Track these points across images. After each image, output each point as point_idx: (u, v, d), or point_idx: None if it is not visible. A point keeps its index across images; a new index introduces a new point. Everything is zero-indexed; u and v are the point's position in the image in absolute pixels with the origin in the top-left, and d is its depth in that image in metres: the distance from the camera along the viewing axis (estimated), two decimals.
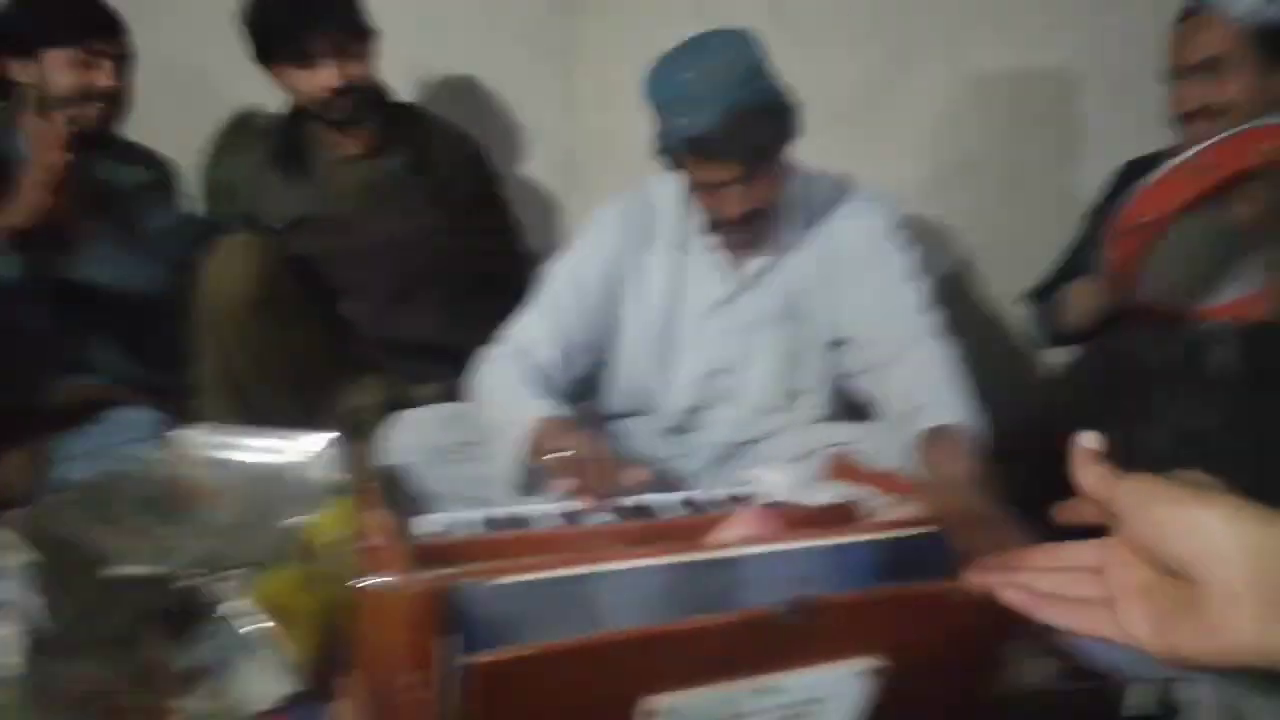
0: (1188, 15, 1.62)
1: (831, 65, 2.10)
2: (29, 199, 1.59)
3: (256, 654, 1.16)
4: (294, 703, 1.16)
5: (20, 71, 1.72)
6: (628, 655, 0.85)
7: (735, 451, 1.60)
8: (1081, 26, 2.01)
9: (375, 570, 0.91)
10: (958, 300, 2.21)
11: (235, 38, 1.77)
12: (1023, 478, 1.70)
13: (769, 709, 0.91)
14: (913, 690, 0.95)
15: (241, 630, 1.15)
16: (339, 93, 1.75)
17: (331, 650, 1.18)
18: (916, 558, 1.00)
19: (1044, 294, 1.84)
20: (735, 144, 1.35)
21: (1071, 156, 2.09)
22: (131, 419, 1.67)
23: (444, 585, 0.84)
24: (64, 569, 1.12)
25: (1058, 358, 1.96)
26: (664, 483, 1.59)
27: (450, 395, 1.77)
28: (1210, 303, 1.58)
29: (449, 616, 0.83)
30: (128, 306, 1.78)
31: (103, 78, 1.73)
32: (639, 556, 0.94)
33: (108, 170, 1.82)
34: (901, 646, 0.93)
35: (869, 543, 1.01)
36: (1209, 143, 1.39)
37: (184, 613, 1.16)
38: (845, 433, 1.47)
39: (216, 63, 1.94)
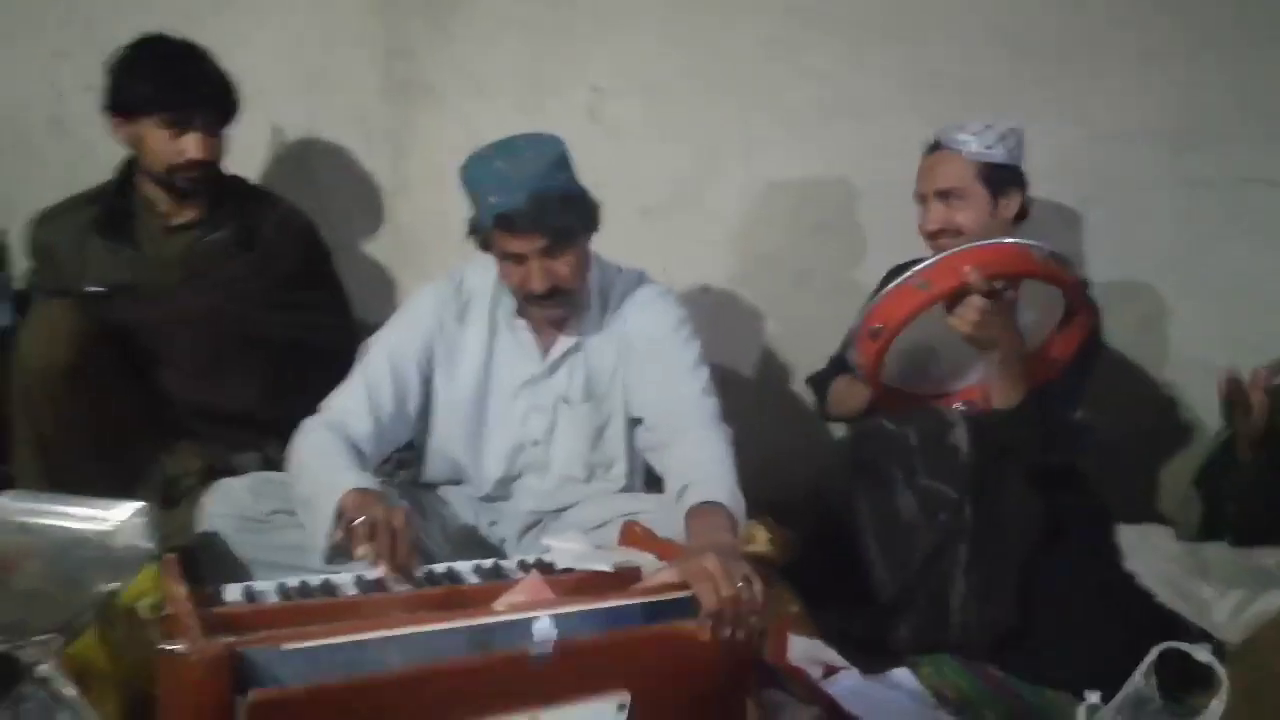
0: (933, 149, 1.90)
1: (644, 164, 2.30)
2: None
3: (67, 716, 1.20)
4: None
5: None
6: (401, 692, 0.97)
7: (544, 518, 1.73)
8: (862, 141, 2.28)
9: (171, 637, 0.98)
10: (761, 378, 2.43)
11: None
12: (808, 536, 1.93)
13: None
14: None
15: (53, 693, 1.18)
16: (193, 164, 1.84)
17: (140, 713, 1.23)
18: (677, 615, 1.16)
19: (820, 382, 2.07)
20: (539, 221, 1.52)
21: (854, 255, 2.35)
22: None
23: (231, 651, 0.93)
24: None
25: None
26: (480, 548, 1.72)
27: (270, 464, 1.82)
28: (945, 390, 1.85)
29: (238, 681, 0.93)
30: None
31: None
32: (421, 622, 1.06)
33: None
34: (647, 682, 1.09)
35: (636, 604, 1.17)
36: (925, 264, 1.65)
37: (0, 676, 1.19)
38: (641, 503, 1.63)
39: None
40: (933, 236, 1.87)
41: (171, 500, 1.82)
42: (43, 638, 1.16)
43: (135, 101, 1.82)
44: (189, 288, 1.92)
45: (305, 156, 2.34)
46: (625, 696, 1.09)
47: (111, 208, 1.92)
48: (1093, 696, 1.18)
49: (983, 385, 1.77)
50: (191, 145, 1.83)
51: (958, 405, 1.79)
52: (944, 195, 1.84)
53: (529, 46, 2.28)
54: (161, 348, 1.90)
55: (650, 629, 1.13)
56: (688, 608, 1.14)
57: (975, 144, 1.82)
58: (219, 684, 0.92)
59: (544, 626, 1.03)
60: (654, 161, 2.31)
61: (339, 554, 1.37)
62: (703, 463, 1.46)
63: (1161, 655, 1.18)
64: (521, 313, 1.68)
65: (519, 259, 1.56)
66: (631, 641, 1.10)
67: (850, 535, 1.75)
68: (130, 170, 1.96)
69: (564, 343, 1.70)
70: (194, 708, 0.93)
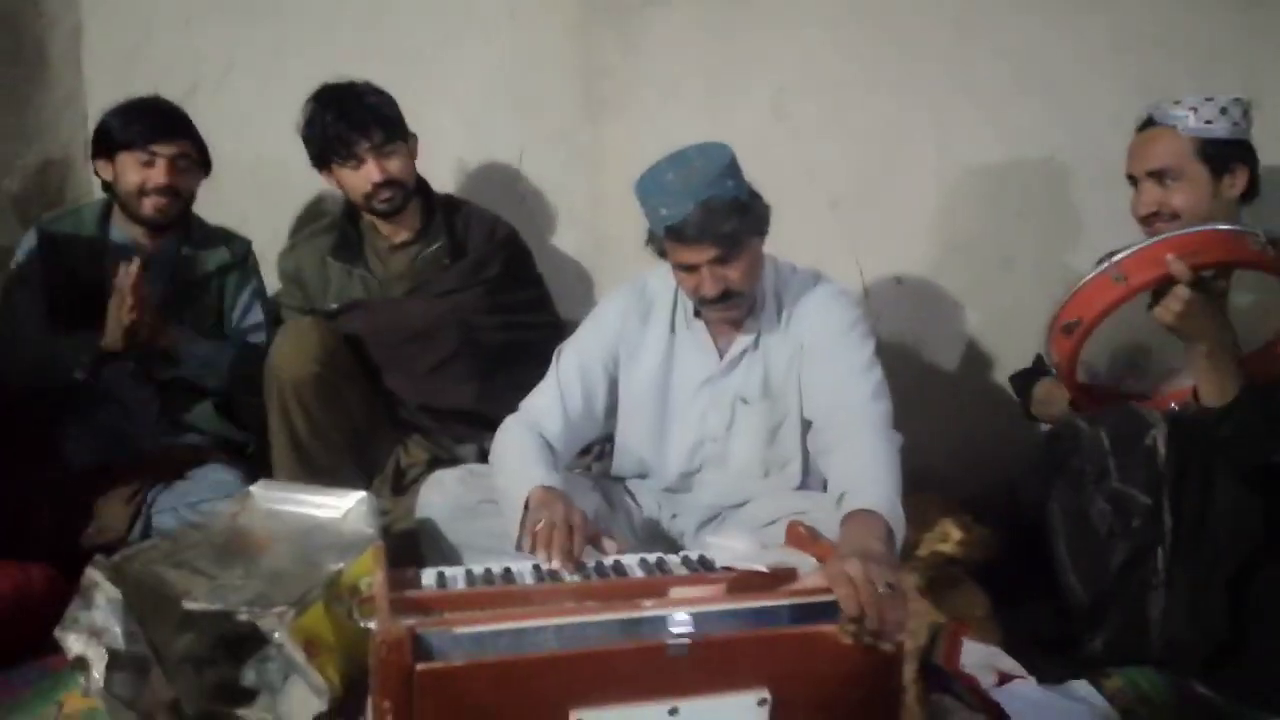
0: (1145, 125, 1.76)
1: (831, 158, 2.30)
2: (112, 335, 1.94)
3: (298, 677, 1.42)
4: (328, 718, 1.42)
5: (103, 170, 2.08)
6: (554, 670, 1.08)
7: (723, 512, 1.81)
8: (1067, 116, 2.16)
9: (368, 616, 1.15)
10: (961, 370, 2.37)
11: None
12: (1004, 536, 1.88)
13: None
14: None
15: (286, 657, 1.41)
16: (380, 186, 2.06)
17: (358, 675, 1.43)
18: (822, 618, 1.20)
19: (1023, 381, 1.98)
20: (707, 230, 1.58)
21: (1064, 239, 2.23)
22: (216, 476, 1.98)
23: (412, 632, 1.07)
24: (144, 604, 1.40)
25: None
26: (663, 540, 1.82)
27: (487, 456, 2.01)
28: (1153, 390, 1.72)
29: (417, 655, 1.07)
30: (218, 384, 2.11)
31: (159, 175, 2.03)
32: (576, 612, 1.16)
33: (191, 255, 2.16)
34: (788, 681, 1.14)
35: (782, 605, 1.22)
36: (1125, 253, 1.53)
37: (242, 641, 1.43)
38: (812, 502, 1.66)
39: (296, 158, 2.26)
40: (1146, 221, 1.73)
41: (401, 489, 2.05)
42: (278, 609, 1.38)
43: (316, 155, 2.09)
44: (412, 299, 2.15)
45: (513, 174, 2.53)
46: (765, 693, 1.15)
47: (343, 234, 2.19)
48: None
49: (1193, 385, 1.64)
50: (369, 172, 2.05)
51: (1172, 406, 1.66)
52: (1158, 176, 1.71)
53: (713, 52, 2.33)
54: (391, 354, 2.12)
55: (790, 629, 1.17)
56: (833, 612, 1.18)
57: (1192, 119, 1.67)
58: (401, 658, 1.07)
59: (680, 619, 1.11)
60: (841, 154, 2.31)
61: (527, 549, 1.51)
62: (864, 469, 1.47)
63: None
64: (699, 314, 1.76)
65: (691, 268, 1.64)
66: (770, 640, 1.15)
67: (1043, 538, 1.69)
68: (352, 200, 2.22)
69: (741, 342, 1.75)
70: (383, 676, 1.09)
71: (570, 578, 1.36)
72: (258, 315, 2.22)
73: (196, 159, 2.12)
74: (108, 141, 2.06)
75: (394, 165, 2.08)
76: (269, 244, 2.37)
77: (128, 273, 1.92)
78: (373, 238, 2.20)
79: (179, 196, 2.08)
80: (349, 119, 2.04)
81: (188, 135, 2.10)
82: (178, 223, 2.13)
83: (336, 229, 2.20)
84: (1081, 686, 1.50)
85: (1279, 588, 1.53)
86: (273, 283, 2.28)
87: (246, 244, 2.27)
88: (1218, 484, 1.56)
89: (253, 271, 2.27)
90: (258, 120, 2.49)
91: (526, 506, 1.52)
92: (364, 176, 2.07)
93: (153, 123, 2.05)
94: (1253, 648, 1.52)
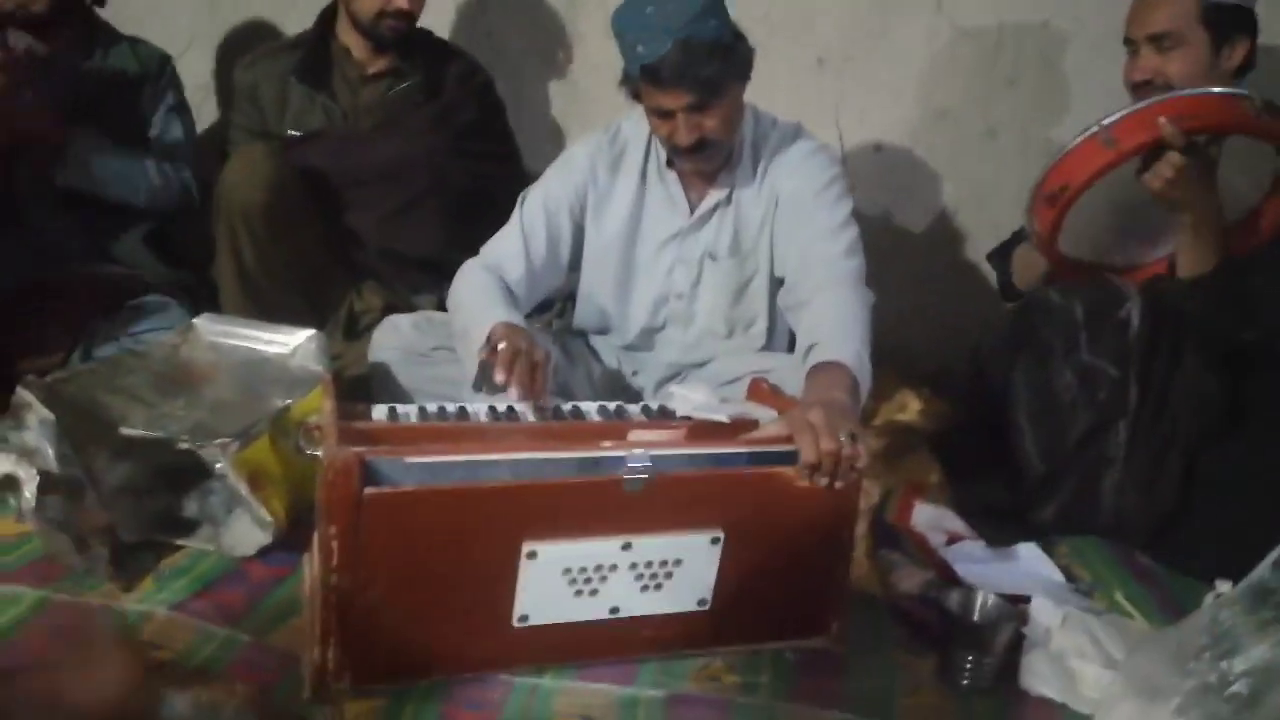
0: None
1: (821, 10, 2.18)
2: None
3: (241, 509, 1.38)
4: (271, 550, 1.39)
5: None
6: (507, 500, 1.06)
7: (684, 370, 1.77)
8: None
9: (315, 444, 1.10)
10: (934, 242, 2.32)
11: None
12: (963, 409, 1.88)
13: (637, 565, 1.12)
14: (758, 562, 1.15)
15: (230, 489, 1.37)
16: (401, 13, 1.94)
17: (303, 510, 1.40)
18: (780, 465, 1.18)
19: (1001, 254, 1.94)
20: (685, 73, 1.48)
21: (1052, 111, 2.16)
22: (160, 306, 1.89)
23: (360, 458, 1.03)
24: (79, 428, 1.34)
25: None
26: (623, 395, 1.78)
27: (444, 305, 1.95)
28: (1135, 262, 1.69)
29: (365, 482, 1.04)
30: (140, 203, 1.97)
31: None
32: (533, 448, 1.13)
33: (97, 66, 1.99)
34: (740, 521, 1.14)
35: (741, 452, 1.19)
36: (1115, 117, 1.47)
37: (183, 472, 1.39)
38: (775, 361, 1.63)
39: None
40: (1137, 88, 1.66)
41: (354, 334, 1.99)
42: (221, 440, 1.33)
43: None
44: (379, 135, 2.03)
45: (483, 8, 2.37)
46: (719, 532, 1.13)
47: (312, 54, 2.04)
48: (1223, 585, 1.10)
49: (1174, 254, 1.61)
50: None
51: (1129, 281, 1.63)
52: (1157, 40, 1.63)
53: None
54: (352, 192, 2.03)
55: (744, 470, 1.15)
56: (792, 460, 1.16)
57: None
58: (349, 483, 1.03)
59: (637, 456, 1.08)
60: (833, 7, 2.19)
61: (485, 381, 1.45)
62: (833, 323, 1.43)
63: None
64: (672, 164, 1.68)
65: (666, 113, 1.54)
66: (726, 480, 1.13)
67: (1007, 411, 1.68)
68: (330, 19, 2.07)
69: (713, 196, 1.68)
70: (330, 502, 1.05)
71: (529, 417, 1.33)
72: (177, 132, 2.07)
73: None
74: None
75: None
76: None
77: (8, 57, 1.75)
78: (344, 63, 2.06)
79: None
80: None
81: None
82: (69, 25, 1.94)
83: (304, 47, 2.05)
84: (1029, 549, 1.52)
85: (1230, 463, 1.55)
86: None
87: (162, 55, 2.10)
88: (1185, 359, 1.56)
89: (169, 84, 2.09)
90: None
91: (489, 342, 1.47)
92: None
93: None
94: (1197, 520, 1.54)
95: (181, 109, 2.11)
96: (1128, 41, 1.69)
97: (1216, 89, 1.49)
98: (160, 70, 2.08)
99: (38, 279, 1.84)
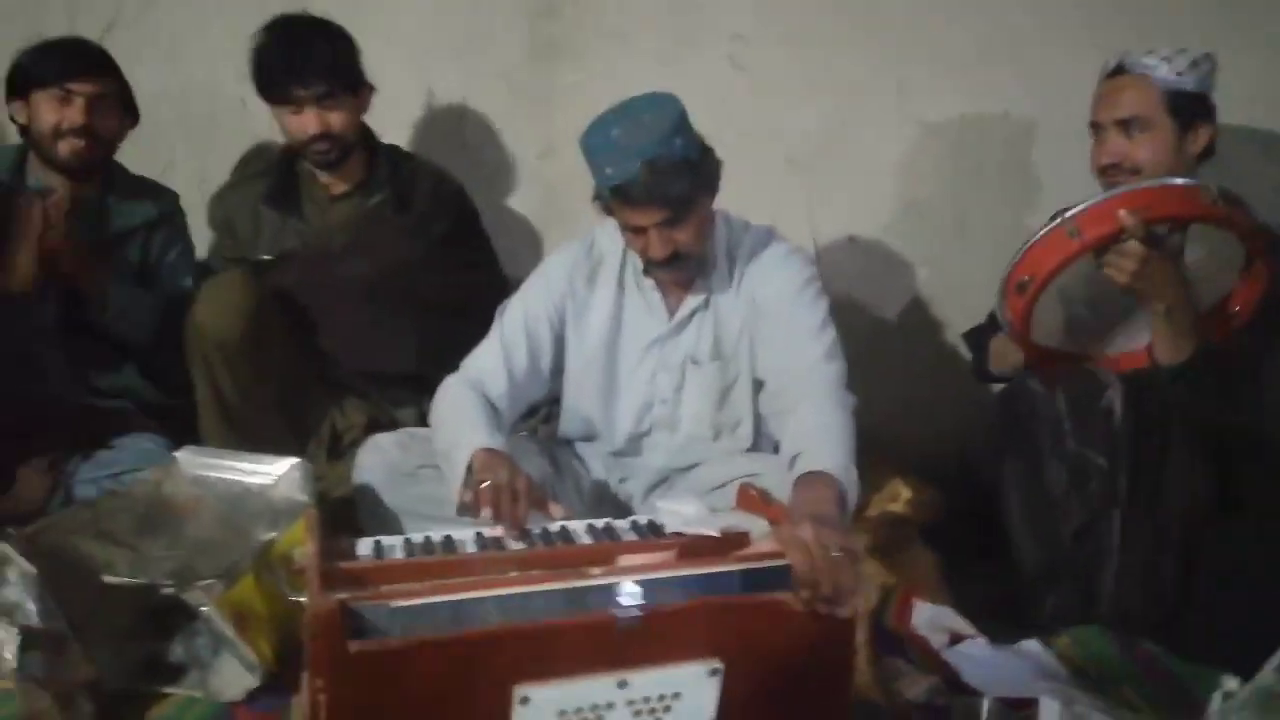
0: (1114, 73, 1.71)
1: (789, 112, 2.24)
2: (18, 269, 1.80)
3: (228, 652, 1.35)
4: (260, 694, 1.36)
5: (17, 112, 1.94)
6: (496, 646, 1.03)
7: (672, 476, 1.76)
8: (1028, 75, 2.12)
9: (299, 589, 1.09)
10: (914, 331, 2.34)
11: None
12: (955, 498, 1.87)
13: (634, 701, 1.08)
14: (760, 691, 1.12)
15: (215, 631, 1.34)
16: (317, 138, 1.94)
17: (293, 648, 1.37)
18: (774, 584, 1.16)
19: (977, 338, 1.95)
20: (654, 192, 1.50)
21: (1020, 199, 2.20)
22: (142, 444, 1.86)
23: (343, 606, 1.01)
24: (61, 578, 1.32)
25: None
26: (612, 504, 1.77)
27: (427, 419, 1.94)
28: (1110, 350, 1.70)
29: (350, 632, 1.01)
30: (143, 341, 1.99)
31: (75, 114, 1.89)
32: (519, 583, 1.11)
33: (115, 209, 2.03)
34: (740, 650, 1.10)
35: (733, 571, 1.18)
36: (1079, 208, 1.49)
37: (168, 615, 1.36)
38: (764, 464, 1.62)
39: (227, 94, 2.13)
40: (1105, 172, 1.69)
41: (338, 453, 1.97)
42: (205, 582, 1.31)
43: (259, 88, 1.94)
44: (350, 254, 2.02)
45: (457, 119, 2.42)
46: (717, 663, 1.11)
47: (280, 180, 2.05)
48: (1230, 683, 1.09)
49: (1144, 348, 1.62)
50: (307, 122, 1.92)
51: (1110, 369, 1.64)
52: (1124, 125, 1.67)
53: None
54: (325, 313, 2.02)
55: (742, 598, 1.13)
56: (785, 576, 1.14)
57: (1165, 69, 1.64)
58: (333, 634, 1.01)
59: (629, 591, 1.06)
60: (799, 109, 2.24)
61: (469, 509, 1.46)
62: (816, 431, 1.44)
63: None
64: (649, 273, 1.69)
65: (639, 229, 1.57)
66: (722, 609, 1.11)
67: (997, 501, 1.68)
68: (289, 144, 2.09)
69: (691, 302, 1.70)
70: (315, 655, 1.03)
71: (515, 545, 1.31)
72: (186, 278, 2.09)
73: (117, 100, 1.98)
74: (22, 80, 1.91)
75: (335, 119, 1.94)
76: (196, 187, 2.24)
77: (52, 201, 1.79)
78: (311, 186, 2.07)
79: (98, 140, 1.94)
80: (293, 62, 1.90)
81: (106, 72, 1.95)
82: (98, 171, 2.00)
83: (273, 174, 2.07)
84: (1032, 646, 1.49)
85: (1229, 549, 1.54)
86: (203, 237, 2.16)
87: (174, 197, 2.13)
88: (1173, 446, 1.55)
89: (181, 228, 2.14)
90: (184, 55, 2.36)
91: (470, 470, 1.46)
92: (300, 125, 1.93)
93: (68, 58, 1.91)
94: (1200, 608, 1.52)
95: (190, 253, 2.14)
96: (1094, 125, 1.73)
97: (1175, 180, 1.53)
98: (172, 213, 2.12)
99: (24, 422, 1.83)
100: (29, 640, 1.25)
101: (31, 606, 1.26)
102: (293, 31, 1.92)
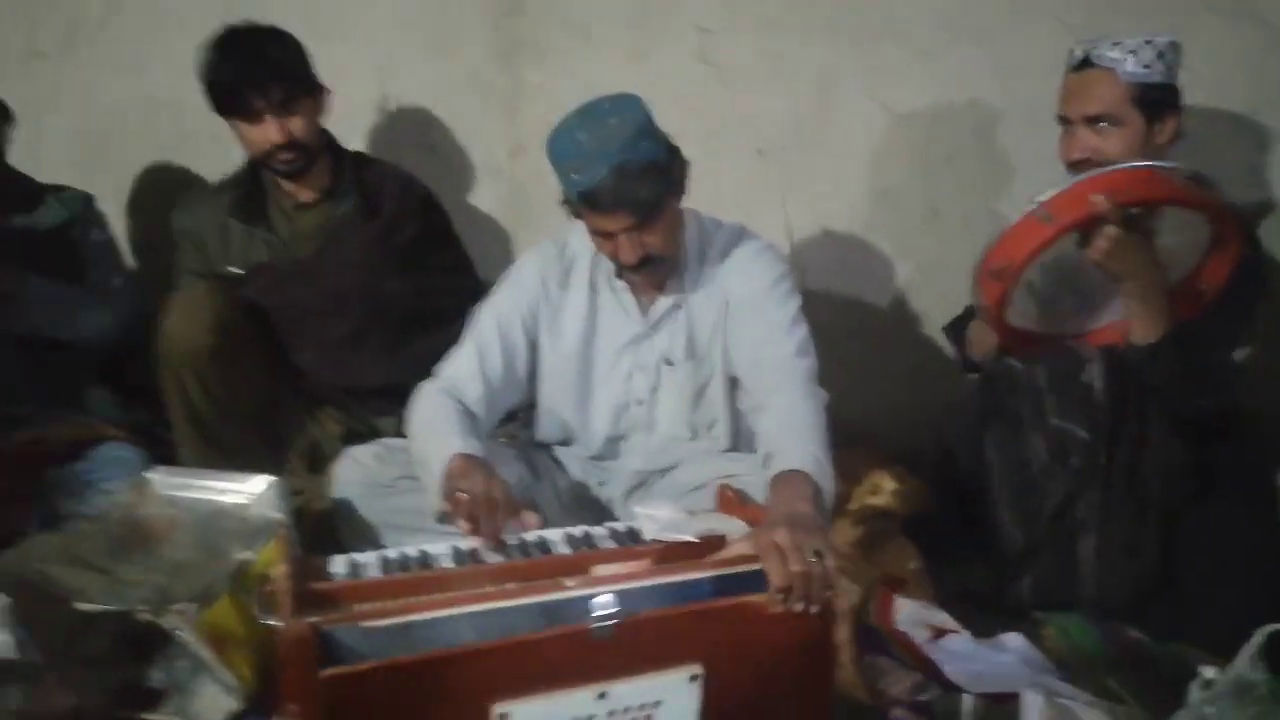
0: (1080, 66, 1.69)
1: (758, 104, 2.22)
2: None
3: (207, 676, 1.34)
4: (241, 717, 1.35)
5: None
6: (472, 665, 1.02)
7: (650, 477, 1.75)
8: (997, 60, 2.11)
9: (270, 612, 1.07)
10: (890, 322, 2.34)
11: None
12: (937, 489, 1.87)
13: (615, 712, 1.08)
14: (741, 695, 1.12)
15: (194, 655, 1.33)
16: (280, 147, 1.91)
17: (273, 667, 1.36)
18: (750, 587, 1.16)
19: (956, 328, 1.95)
20: (623, 198, 1.49)
21: (991, 186, 2.20)
22: (117, 454, 1.83)
23: (315, 629, 1.01)
24: (34, 608, 1.30)
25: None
26: (591, 507, 1.76)
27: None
28: (1083, 329, 1.71)
29: (322, 656, 1.01)
30: (98, 351, 1.97)
31: None
32: (493, 598, 1.10)
33: (21, 217, 2.02)
34: (719, 655, 1.11)
35: (708, 577, 1.18)
36: (1050, 194, 1.50)
37: (145, 640, 1.35)
38: (742, 464, 1.61)
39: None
40: (1075, 166, 1.68)
41: (316, 465, 1.95)
42: (180, 606, 1.30)
43: (216, 107, 1.91)
44: (319, 262, 2.00)
45: (423, 121, 2.40)
46: (697, 668, 1.11)
47: (246, 191, 2.03)
48: (1208, 672, 1.09)
49: (1123, 322, 1.62)
50: (268, 131, 1.89)
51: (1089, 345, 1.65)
52: (1092, 120, 1.66)
53: None
54: (297, 326, 2.00)
55: (717, 602, 1.13)
56: (760, 582, 1.14)
57: (1131, 62, 1.62)
58: (305, 658, 1.00)
59: (603, 602, 1.05)
60: (768, 100, 2.22)
61: (447, 518, 1.44)
62: (789, 429, 1.43)
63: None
64: (621, 274, 1.68)
65: (608, 234, 1.56)
66: (698, 615, 1.11)
67: (979, 486, 1.68)
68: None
69: (664, 303, 1.69)
70: (289, 679, 1.02)
71: (492, 557, 1.30)
72: (112, 273, 2.11)
73: None
74: None
75: (296, 125, 1.91)
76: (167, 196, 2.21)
77: None
78: (277, 196, 2.04)
79: None
80: (247, 72, 1.87)
81: None
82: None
83: (239, 185, 2.04)
84: (1015, 639, 1.50)
85: (1208, 528, 1.54)
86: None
87: (82, 196, 2.13)
88: (1151, 424, 1.56)
89: (95, 224, 2.13)
90: (148, 66, 2.32)
91: (446, 479, 1.45)
92: (262, 135, 1.90)
93: None
94: (1182, 587, 1.53)
95: (109, 248, 2.15)
96: (1062, 119, 1.73)
97: (1145, 163, 1.53)
98: (83, 211, 2.12)
99: None
100: (3, 672, 1.23)
101: (4, 638, 1.24)
102: (242, 42, 1.90)
